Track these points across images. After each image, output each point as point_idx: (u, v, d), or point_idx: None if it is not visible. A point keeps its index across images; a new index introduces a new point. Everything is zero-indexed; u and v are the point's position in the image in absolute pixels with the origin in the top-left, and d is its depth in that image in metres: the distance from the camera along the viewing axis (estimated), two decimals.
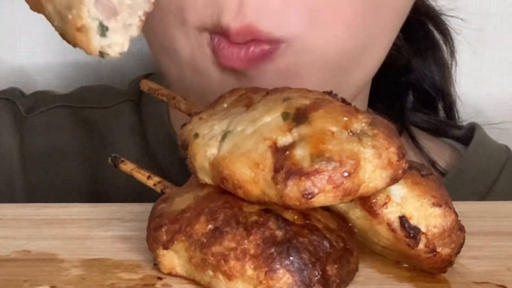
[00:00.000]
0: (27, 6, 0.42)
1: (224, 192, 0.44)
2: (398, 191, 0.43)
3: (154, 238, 0.44)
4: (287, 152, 0.41)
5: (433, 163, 0.73)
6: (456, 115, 0.83)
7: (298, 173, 0.41)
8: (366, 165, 0.41)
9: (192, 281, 0.44)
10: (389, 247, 0.45)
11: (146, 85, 0.54)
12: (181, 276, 0.44)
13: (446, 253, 0.44)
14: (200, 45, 0.59)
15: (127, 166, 0.51)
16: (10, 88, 0.82)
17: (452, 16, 0.80)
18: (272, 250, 0.41)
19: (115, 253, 0.47)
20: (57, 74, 0.92)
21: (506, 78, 0.95)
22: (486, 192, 0.72)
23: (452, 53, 0.80)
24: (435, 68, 0.79)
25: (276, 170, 0.41)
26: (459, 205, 0.44)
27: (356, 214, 0.45)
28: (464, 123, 0.82)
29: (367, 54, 0.62)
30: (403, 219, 0.43)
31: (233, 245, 0.42)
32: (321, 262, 0.42)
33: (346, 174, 0.41)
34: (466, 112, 0.86)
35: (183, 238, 0.43)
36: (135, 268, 0.45)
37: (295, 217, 0.43)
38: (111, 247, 0.48)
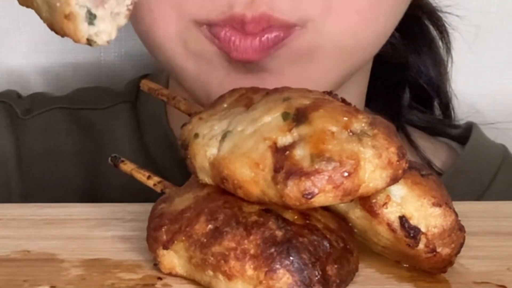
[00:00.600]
0: None
1: (224, 192, 0.44)
2: (398, 191, 0.43)
3: (154, 238, 0.44)
4: (287, 152, 0.41)
5: (429, 163, 0.73)
6: (452, 113, 0.83)
7: (298, 173, 0.41)
8: (366, 165, 0.41)
9: (192, 281, 0.44)
10: (389, 247, 0.45)
11: (146, 85, 0.54)
12: (181, 276, 0.44)
13: (446, 253, 0.44)
14: (199, 39, 0.59)
15: (127, 166, 0.51)
16: (6, 91, 0.81)
17: (448, 13, 0.80)
18: (272, 250, 0.41)
19: (115, 253, 0.47)
20: (57, 75, 0.92)
21: (505, 78, 0.95)
22: (483, 191, 0.72)
23: (448, 50, 0.81)
24: (431, 65, 0.80)
25: (276, 170, 0.41)
26: (459, 205, 0.44)
27: (356, 214, 0.45)
28: (462, 122, 0.82)
29: (375, 40, 0.63)
30: (403, 219, 0.43)
31: (233, 245, 0.42)
32: (321, 262, 0.42)
33: (346, 174, 0.41)
34: (465, 111, 0.86)
35: (183, 238, 0.43)
36: (135, 268, 0.45)
37: (295, 217, 0.43)
38: (111, 247, 0.48)
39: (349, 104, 0.45)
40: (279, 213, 0.43)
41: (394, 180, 0.42)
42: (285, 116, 0.43)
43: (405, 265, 0.46)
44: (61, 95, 0.81)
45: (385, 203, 0.43)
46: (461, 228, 0.44)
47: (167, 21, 0.60)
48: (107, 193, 0.72)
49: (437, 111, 0.83)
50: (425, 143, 0.76)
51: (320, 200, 0.41)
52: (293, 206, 0.41)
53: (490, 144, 0.78)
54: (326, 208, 0.45)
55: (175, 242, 0.43)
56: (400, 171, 0.42)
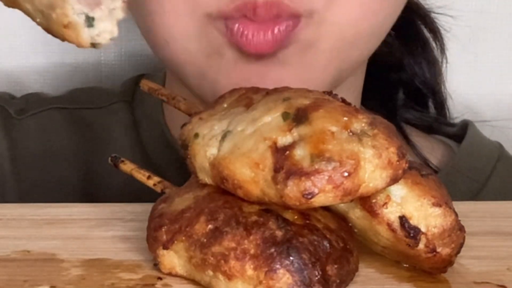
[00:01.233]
0: None
1: (224, 192, 0.44)
2: (398, 191, 0.43)
3: (154, 238, 0.44)
4: (287, 152, 0.41)
5: (425, 161, 0.74)
6: (447, 112, 0.83)
7: (298, 173, 0.41)
8: (366, 165, 0.41)
9: (192, 281, 0.44)
10: (389, 247, 0.45)
11: (146, 85, 0.54)
12: (181, 276, 0.44)
13: (446, 253, 0.44)
14: (211, 34, 0.59)
15: (127, 166, 0.51)
16: None
17: (442, 14, 0.81)
18: (272, 250, 0.41)
19: (115, 253, 0.47)
20: (56, 75, 0.92)
21: (505, 78, 0.95)
22: (479, 189, 0.72)
23: (442, 51, 0.81)
24: (425, 66, 0.80)
25: (276, 170, 0.41)
26: (459, 205, 0.45)
27: (356, 214, 0.45)
28: (458, 121, 0.83)
29: (375, 37, 0.64)
30: (403, 219, 0.43)
31: (233, 245, 0.42)
32: (321, 262, 0.42)
33: (346, 174, 0.41)
34: (464, 111, 0.86)
35: (183, 238, 0.43)
36: (135, 268, 0.45)
37: (295, 217, 0.43)
38: (111, 247, 0.48)
39: (349, 104, 0.45)
40: (279, 213, 0.43)
41: (394, 180, 0.42)
42: (285, 116, 0.43)
43: (405, 265, 0.46)
44: (56, 95, 0.81)
45: (385, 203, 0.43)
46: (461, 228, 0.44)
47: (181, 17, 0.60)
48: (104, 193, 0.72)
49: (432, 111, 0.83)
50: (421, 141, 0.76)
51: (320, 200, 0.41)
52: (293, 206, 0.41)
53: (486, 142, 0.78)
54: (326, 208, 0.45)
55: (175, 242, 0.43)
56: (400, 171, 0.42)
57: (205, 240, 0.42)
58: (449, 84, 0.87)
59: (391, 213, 0.43)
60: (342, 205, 0.45)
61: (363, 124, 0.42)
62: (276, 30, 0.57)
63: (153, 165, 0.70)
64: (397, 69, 0.80)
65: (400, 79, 0.80)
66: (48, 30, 0.40)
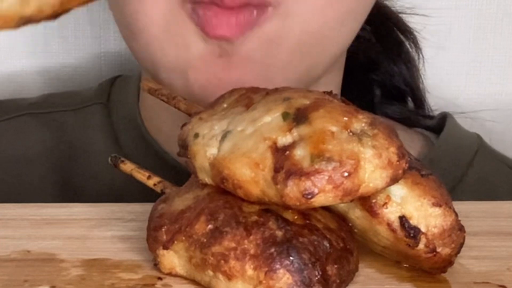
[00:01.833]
0: None
1: (224, 192, 0.44)
2: (398, 191, 0.43)
3: (154, 238, 0.44)
4: (287, 152, 0.41)
5: None
6: (427, 107, 0.84)
7: (298, 173, 0.41)
8: (366, 165, 0.41)
9: (192, 281, 0.44)
10: (389, 247, 0.45)
11: (146, 85, 0.54)
12: (181, 276, 0.44)
13: (446, 253, 0.44)
14: (180, 17, 0.59)
15: (127, 166, 0.51)
16: None
17: (415, 14, 0.81)
18: (272, 250, 0.41)
19: (115, 253, 0.47)
20: (56, 75, 0.92)
21: (505, 78, 0.95)
22: (458, 181, 0.72)
23: (418, 49, 0.81)
24: (402, 64, 0.81)
25: (276, 170, 0.41)
26: (459, 205, 0.45)
27: (356, 214, 0.45)
28: (438, 113, 0.83)
29: (342, 30, 0.63)
30: (403, 219, 0.43)
31: (233, 245, 0.42)
32: (321, 262, 0.42)
33: (346, 174, 0.41)
34: (465, 111, 0.86)
35: (183, 238, 0.43)
36: (135, 268, 0.45)
37: (295, 217, 0.43)
38: (111, 247, 0.48)
39: (349, 104, 0.45)
40: (279, 213, 0.43)
41: (394, 180, 0.42)
42: (285, 116, 0.43)
43: (405, 265, 0.46)
44: (30, 100, 0.80)
45: (385, 203, 0.43)
46: (461, 228, 0.44)
47: (155, 4, 0.60)
48: (83, 197, 0.71)
49: (411, 106, 0.84)
50: (401, 134, 0.76)
51: (320, 200, 0.41)
52: (293, 206, 0.41)
53: (464, 134, 0.78)
54: (326, 208, 0.45)
55: (175, 242, 0.43)
56: (400, 171, 0.42)
57: (205, 240, 0.42)
58: (449, 84, 0.87)
59: (391, 213, 0.43)
60: (342, 205, 0.45)
61: (363, 124, 0.42)
62: (240, 16, 0.57)
63: None
64: (375, 69, 0.80)
65: (378, 78, 0.80)
66: None
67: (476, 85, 0.93)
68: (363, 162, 0.41)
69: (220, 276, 0.42)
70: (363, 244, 0.46)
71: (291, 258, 0.41)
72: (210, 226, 0.43)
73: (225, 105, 0.47)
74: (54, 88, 0.89)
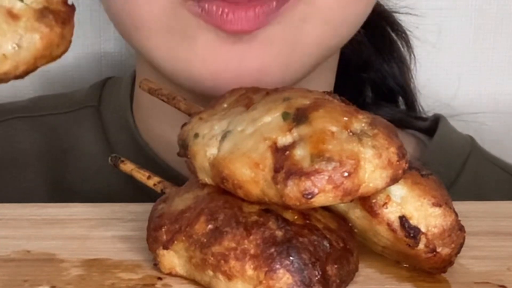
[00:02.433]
0: None
1: (224, 192, 0.44)
2: (398, 191, 0.43)
3: (154, 238, 0.44)
4: (287, 152, 0.41)
5: None
6: (420, 108, 0.84)
7: (298, 173, 0.41)
8: (366, 165, 0.41)
9: (192, 281, 0.44)
10: (389, 247, 0.45)
11: (146, 85, 0.54)
12: (181, 276, 0.44)
13: (446, 253, 0.44)
14: (183, 15, 0.58)
15: (127, 166, 0.51)
16: None
17: (408, 14, 0.81)
18: (272, 250, 0.41)
19: (115, 253, 0.47)
20: (56, 75, 0.91)
21: (505, 78, 0.95)
22: (451, 183, 0.72)
23: (409, 49, 0.81)
24: (394, 64, 0.80)
25: (276, 170, 0.41)
26: (459, 205, 0.45)
27: (356, 214, 0.45)
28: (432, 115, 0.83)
29: (357, 19, 0.63)
30: (403, 219, 0.43)
31: (233, 245, 0.42)
32: (321, 262, 0.42)
33: (346, 174, 0.41)
34: (464, 111, 0.86)
35: (183, 238, 0.43)
36: (135, 268, 0.45)
37: (295, 217, 0.43)
38: (111, 247, 0.48)
39: (349, 104, 0.45)
40: (279, 213, 0.43)
41: (394, 180, 0.42)
42: (285, 116, 0.43)
43: (405, 265, 0.46)
44: (19, 103, 0.79)
45: (385, 203, 0.43)
46: (461, 228, 0.44)
47: (153, 1, 0.59)
48: (73, 200, 0.71)
49: (402, 107, 0.84)
50: None
51: (320, 200, 0.41)
52: (293, 206, 0.41)
53: (457, 136, 0.78)
54: (326, 208, 0.45)
55: (175, 242, 0.43)
56: (400, 171, 0.42)
57: (205, 240, 0.42)
58: (449, 84, 0.88)
59: (391, 213, 0.43)
60: (342, 205, 0.45)
61: (363, 124, 0.42)
62: (257, 9, 0.56)
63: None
64: (367, 68, 0.80)
65: (370, 78, 0.80)
66: None
67: (476, 85, 0.93)
68: (363, 162, 0.41)
69: (220, 276, 0.42)
70: (363, 244, 0.46)
71: (291, 258, 0.41)
72: (210, 226, 0.43)
73: (225, 105, 0.47)
74: (54, 88, 0.89)
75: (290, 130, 0.42)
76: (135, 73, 0.74)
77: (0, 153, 0.74)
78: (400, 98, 0.83)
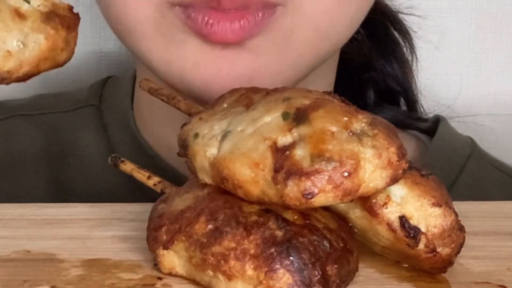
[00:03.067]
0: None
1: (224, 192, 0.44)
2: (398, 191, 0.43)
3: (154, 238, 0.44)
4: (287, 152, 0.41)
5: None
6: (421, 109, 0.84)
7: (298, 173, 0.41)
8: (366, 165, 0.41)
9: (192, 281, 0.44)
10: (389, 247, 0.45)
11: (146, 85, 0.54)
12: (181, 276, 0.44)
13: (446, 253, 0.44)
14: (170, 20, 0.58)
15: (127, 166, 0.51)
16: None
17: (411, 14, 0.81)
18: (272, 250, 0.41)
19: (115, 253, 0.47)
20: (56, 75, 0.91)
21: (505, 78, 0.95)
22: (450, 185, 0.72)
23: (412, 50, 0.81)
24: (396, 65, 0.80)
25: (276, 170, 0.41)
26: (459, 205, 0.45)
27: (356, 214, 0.45)
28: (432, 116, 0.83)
29: (347, 25, 0.63)
30: (403, 219, 0.43)
31: (233, 245, 0.42)
32: (321, 262, 0.42)
33: (346, 174, 0.41)
34: (464, 111, 0.86)
35: (183, 238, 0.43)
36: (135, 268, 0.45)
37: (295, 217, 0.43)
38: (111, 247, 0.48)
39: (349, 104, 0.45)
40: (279, 213, 0.43)
41: (394, 180, 0.42)
42: (285, 116, 0.43)
43: (405, 265, 0.46)
44: (20, 101, 0.79)
45: (385, 203, 0.43)
46: (461, 228, 0.44)
47: (140, 4, 0.59)
48: (73, 199, 0.71)
49: (403, 108, 0.84)
50: None
51: (320, 200, 0.41)
52: (293, 206, 0.41)
53: (458, 137, 0.78)
54: (326, 208, 0.45)
55: (175, 242, 0.43)
56: (400, 171, 0.42)
57: (205, 240, 0.42)
58: (449, 84, 0.88)
59: (391, 213, 0.43)
60: (342, 205, 0.45)
61: (363, 124, 0.42)
62: (243, 21, 0.56)
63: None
64: (368, 69, 0.80)
65: (372, 78, 0.80)
66: None
67: (476, 85, 0.93)
68: (363, 162, 0.41)
69: (220, 276, 0.42)
70: (363, 244, 0.46)
71: (291, 258, 0.41)
72: (210, 226, 0.43)
73: (225, 105, 0.47)
74: (54, 88, 0.89)
75: (290, 130, 0.42)
76: (135, 72, 0.74)
77: (1, 151, 0.74)
78: (402, 100, 0.83)
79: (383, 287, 0.44)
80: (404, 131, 0.79)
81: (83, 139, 0.74)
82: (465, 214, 0.46)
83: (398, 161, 0.42)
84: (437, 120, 0.79)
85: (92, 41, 0.91)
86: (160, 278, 0.44)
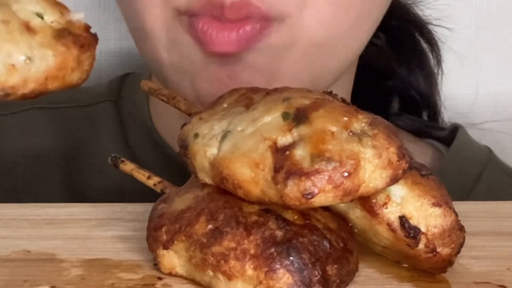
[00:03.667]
0: None
1: (224, 192, 0.44)
2: (398, 191, 0.43)
3: (154, 238, 0.44)
4: (287, 152, 0.41)
5: None
6: (441, 119, 0.83)
7: (298, 173, 0.41)
8: (366, 165, 0.41)
9: (192, 281, 0.44)
10: (389, 247, 0.45)
11: (146, 85, 0.54)
12: (181, 276, 0.44)
13: (446, 253, 0.44)
14: (176, 29, 0.59)
15: (127, 166, 0.51)
16: None
17: (438, 26, 0.81)
18: (272, 250, 0.41)
19: (115, 253, 0.47)
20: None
21: (505, 78, 0.95)
22: (466, 194, 0.72)
23: (439, 62, 0.81)
24: (421, 77, 0.80)
25: (276, 170, 0.41)
26: (459, 205, 0.45)
27: (356, 214, 0.45)
28: (450, 125, 0.82)
29: (349, 40, 0.62)
30: (403, 219, 0.43)
31: (233, 245, 0.42)
32: (321, 262, 0.42)
33: (346, 174, 0.41)
34: (464, 112, 0.86)
35: (183, 238, 0.43)
36: (135, 268, 0.45)
37: (295, 217, 0.43)
38: (111, 247, 0.48)
39: (349, 104, 0.45)
40: (279, 213, 0.43)
41: (394, 180, 0.42)
42: (285, 116, 0.43)
43: (405, 265, 0.46)
44: None
45: (385, 203, 0.43)
46: (461, 228, 0.44)
47: (154, 10, 0.60)
48: (90, 194, 0.71)
49: (425, 118, 0.83)
50: (412, 145, 0.76)
51: (320, 200, 0.41)
52: (293, 206, 0.41)
53: (475, 146, 0.78)
54: (326, 208, 0.45)
55: (175, 242, 0.43)
56: (400, 171, 0.42)
57: (205, 240, 0.42)
58: (449, 84, 0.87)
59: (391, 213, 0.43)
60: (342, 205, 0.45)
61: (363, 124, 0.42)
62: (241, 31, 0.56)
63: (141, 165, 0.70)
64: (391, 77, 0.80)
65: (394, 88, 0.80)
66: None
67: (476, 85, 0.93)
68: (363, 162, 0.41)
69: (220, 276, 0.42)
70: (363, 244, 0.46)
71: (291, 258, 0.41)
72: (210, 226, 0.43)
73: (225, 105, 0.47)
74: None
75: (290, 130, 0.42)
76: None
77: (18, 143, 0.75)
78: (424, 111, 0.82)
79: (383, 287, 0.44)
80: (421, 140, 0.78)
81: (100, 134, 0.74)
82: (465, 214, 0.46)
83: (398, 161, 0.42)
84: (455, 129, 0.78)
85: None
86: (160, 278, 0.44)
